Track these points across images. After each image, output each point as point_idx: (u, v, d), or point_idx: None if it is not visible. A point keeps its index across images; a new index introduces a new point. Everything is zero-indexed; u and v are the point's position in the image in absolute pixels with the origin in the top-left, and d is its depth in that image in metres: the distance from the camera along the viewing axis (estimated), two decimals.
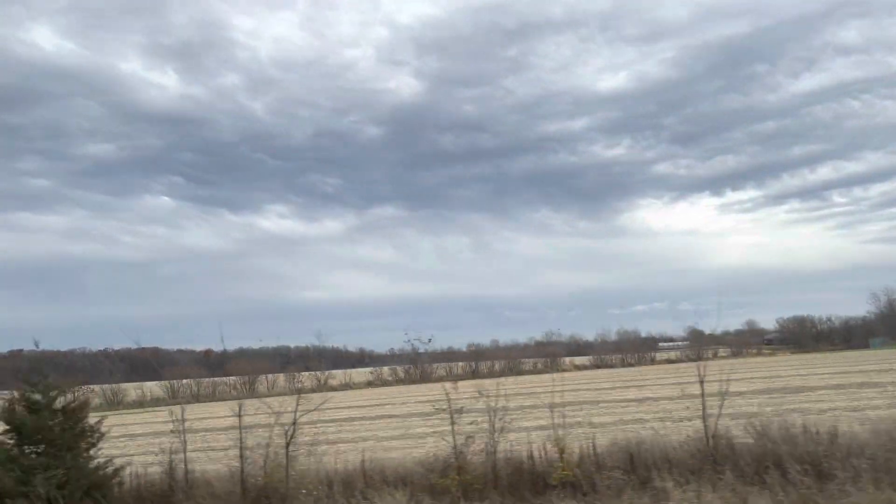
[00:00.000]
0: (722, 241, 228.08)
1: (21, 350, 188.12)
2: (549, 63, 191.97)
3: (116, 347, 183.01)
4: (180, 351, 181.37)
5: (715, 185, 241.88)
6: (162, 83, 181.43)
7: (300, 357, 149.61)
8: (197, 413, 34.45)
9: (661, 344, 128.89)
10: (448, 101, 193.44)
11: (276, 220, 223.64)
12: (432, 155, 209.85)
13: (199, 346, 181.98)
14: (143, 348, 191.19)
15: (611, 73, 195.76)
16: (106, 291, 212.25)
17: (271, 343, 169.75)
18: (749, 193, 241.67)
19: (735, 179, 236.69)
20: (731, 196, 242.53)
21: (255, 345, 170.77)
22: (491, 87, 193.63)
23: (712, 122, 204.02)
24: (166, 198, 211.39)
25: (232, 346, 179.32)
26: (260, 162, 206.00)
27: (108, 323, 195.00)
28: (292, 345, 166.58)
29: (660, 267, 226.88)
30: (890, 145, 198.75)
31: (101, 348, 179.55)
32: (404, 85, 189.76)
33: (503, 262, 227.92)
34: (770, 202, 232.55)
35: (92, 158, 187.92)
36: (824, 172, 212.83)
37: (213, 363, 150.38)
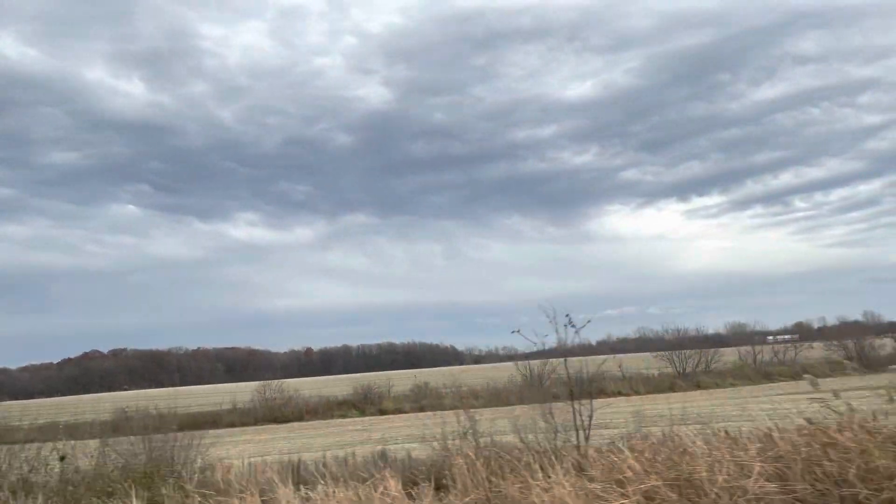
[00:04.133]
0: (689, 247, 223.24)
1: (124, 349, 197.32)
2: (517, 72, 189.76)
3: (209, 347, 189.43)
4: (265, 351, 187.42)
5: (681, 191, 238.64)
6: (128, 91, 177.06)
7: (407, 354, 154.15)
8: None
9: (768, 338, 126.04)
10: (418, 108, 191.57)
11: (245, 229, 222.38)
12: (403, 162, 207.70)
13: (293, 346, 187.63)
14: (235, 348, 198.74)
15: (578, 81, 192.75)
16: (72, 301, 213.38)
17: (377, 340, 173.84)
18: (714, 199, 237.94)
19: (701, 185, 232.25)
20: (697, 202, 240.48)
21: (353, 343, 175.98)
22: (461, 95, 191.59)
23: (678, 130, 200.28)
24: (133, 206, 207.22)
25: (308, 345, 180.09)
26: (229, 170, 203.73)
27: (75, 333, 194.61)
28: (397, 341, 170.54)
29: (629, 272, 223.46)
30: (848, 151, 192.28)
31: (195, 347, 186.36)
32: (374, 93, 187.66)
33: (475, 269, 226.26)
34: (735, 207, 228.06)
35: (56, 167, 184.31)
36: (786, 178, 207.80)
37: (315, 361, 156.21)
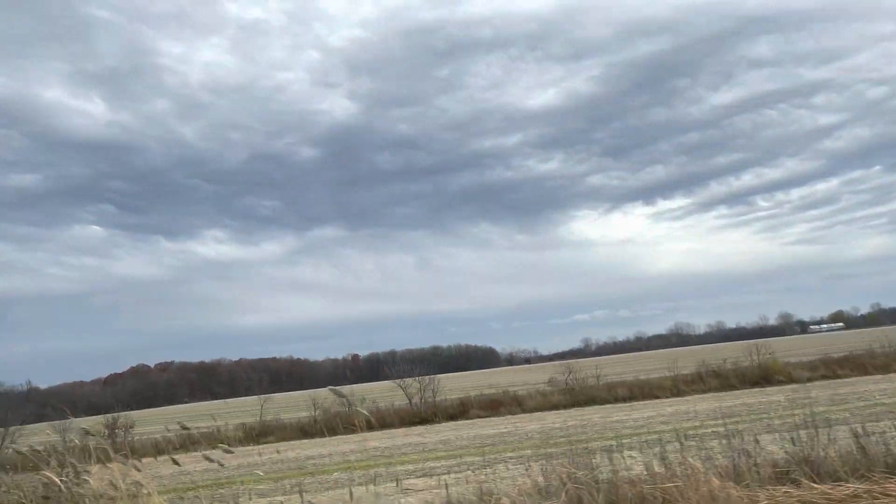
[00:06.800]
0: (656, 249, 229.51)
1: (171, 362, 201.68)
2: (480, 82, 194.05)
3: (250, 358, 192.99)
4: (306, 360, 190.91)
5: (646, 194, 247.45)
6: (88, 110, 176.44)
7: (457, 357, 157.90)
8: None
9: (811, 327, 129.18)
10: (383, 120, 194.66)
11: (213, 246, 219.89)
12: (370, 174, 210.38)
13: (339, 354, 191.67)
14: (276, 358, 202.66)
15: (541, 90, 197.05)
16: (34, 325, 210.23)
17: (423, 345, 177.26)
18: (679, 202, 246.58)
19: (665, 189, 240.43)
20: (663, 205, 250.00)
21: (396, 348, 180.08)
22: (425, 107, 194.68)
23: (640, 135, 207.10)
24: (96, 227, 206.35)
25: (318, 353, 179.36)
26: (194, 187, 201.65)
27: (39, 358, 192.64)
28: (444, 345, 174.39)
29: (598, 276, 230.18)
30: (805, 152, 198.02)
31: (237, 358, 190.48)
32: (338, 106, 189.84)
33: (445, 278, 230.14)
34: (699, 209, 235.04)
35: (15, 189, 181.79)
36: (747, 179, 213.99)
37: (363, 368, 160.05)
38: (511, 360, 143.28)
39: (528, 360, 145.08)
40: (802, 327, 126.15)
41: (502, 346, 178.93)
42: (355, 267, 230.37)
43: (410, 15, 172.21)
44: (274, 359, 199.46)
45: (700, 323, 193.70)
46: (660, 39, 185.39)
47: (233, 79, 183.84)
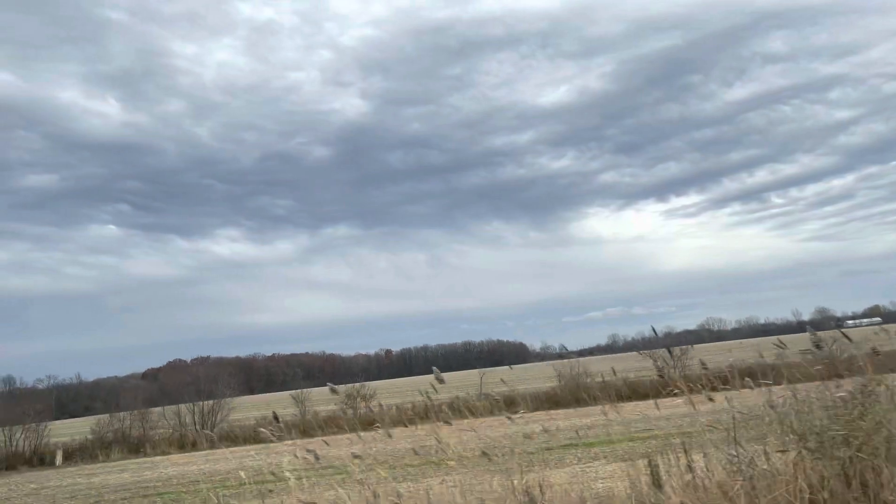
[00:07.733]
0: (669, 246, 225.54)
1: (208, 357, 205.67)
2: (492, 80, 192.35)
3: (283, 353, 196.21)
4: (338, 355, 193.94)
5: (659, 191, 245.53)
6: (103, 111, 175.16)
7: (491, 352, 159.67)
8: None
9: (847, 322, 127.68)
10: (395, 119, 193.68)
11: (227, 245, 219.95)
12: (382, 173, 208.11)
13: (372, 350, 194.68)
14: (309, 353, 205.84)
15: (552, 87, 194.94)
16: (51, 325, 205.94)
17: (455, 340, 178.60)
18: (692, 198, 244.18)
19: (678, 185, 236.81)
20: (676, 202, 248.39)
21: (430, 343, 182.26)
22: (436, 105, 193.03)
23: (653, 132, 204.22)
24: (113, 227, 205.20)
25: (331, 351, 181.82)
26: (208, 187, 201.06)
27: (55, 358, 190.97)
28: (476, 340, 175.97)
29: (611, 273, 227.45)
30: (820, 147, 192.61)
31: (271, 354, 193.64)
32: (350, 105, 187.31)
33: (458, 276, 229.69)
34: (713, 206, 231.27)
35: (33, 190, 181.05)
36: (762, 175, 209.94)
37: (394, 363, 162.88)
38: (542, 356, 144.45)
39: (560, 356, 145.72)
40: (837, 322, 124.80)
41: (530, 342, 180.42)
42: (369, 265, 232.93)
43: (421, 14, 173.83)
44: (307, 354, 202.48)
45: (726, 318, 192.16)
46: (672, 35, 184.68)
47: (246, 79, 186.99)
